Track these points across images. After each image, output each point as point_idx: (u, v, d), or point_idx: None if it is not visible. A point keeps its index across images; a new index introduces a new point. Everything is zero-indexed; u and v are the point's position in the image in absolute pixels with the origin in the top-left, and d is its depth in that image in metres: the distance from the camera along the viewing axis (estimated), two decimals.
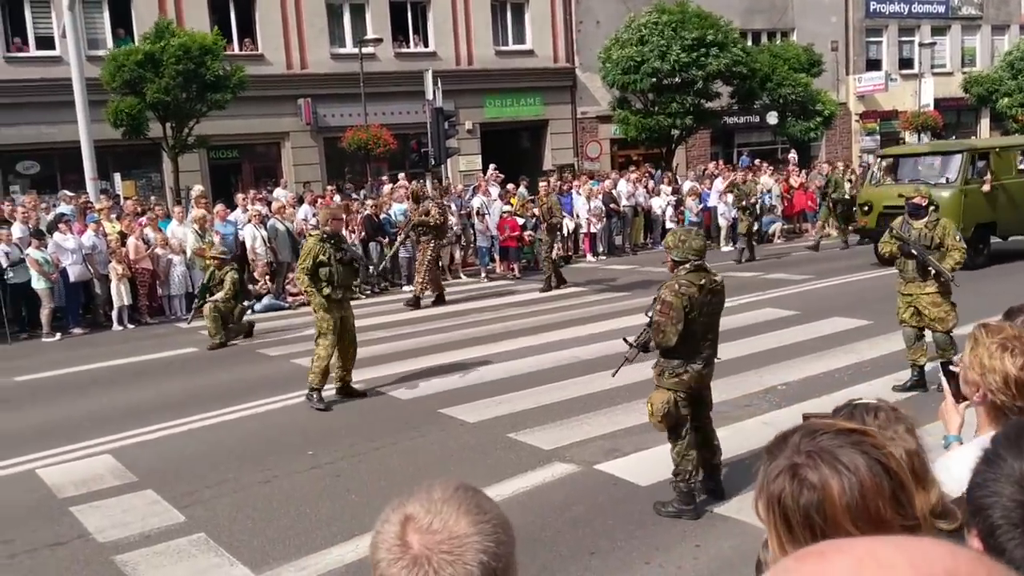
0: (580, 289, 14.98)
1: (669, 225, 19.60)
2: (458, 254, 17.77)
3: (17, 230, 13.45)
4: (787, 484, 1.33)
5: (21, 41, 21.34)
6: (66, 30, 16.68)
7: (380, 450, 6.90)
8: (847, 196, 18.56)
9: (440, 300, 14.19)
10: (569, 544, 5.07)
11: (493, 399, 8.15)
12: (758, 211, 18.74)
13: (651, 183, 21.60)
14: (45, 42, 21.22)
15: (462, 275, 17.35)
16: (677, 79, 23.00)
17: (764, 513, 1.36)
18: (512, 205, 17.97)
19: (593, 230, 19.22)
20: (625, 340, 5.58)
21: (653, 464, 6.17)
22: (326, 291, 8.19)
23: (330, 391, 8.40)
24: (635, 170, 22.66)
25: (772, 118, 26.52)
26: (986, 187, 14.88)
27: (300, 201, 17.40)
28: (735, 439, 6.26)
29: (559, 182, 19.61)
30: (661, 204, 20.51)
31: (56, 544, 5.36)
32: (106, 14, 21.87)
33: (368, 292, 15.48)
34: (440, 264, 15.40)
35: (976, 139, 29.31)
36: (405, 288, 15.60)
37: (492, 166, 21.34)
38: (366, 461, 6.67)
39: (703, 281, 5.26)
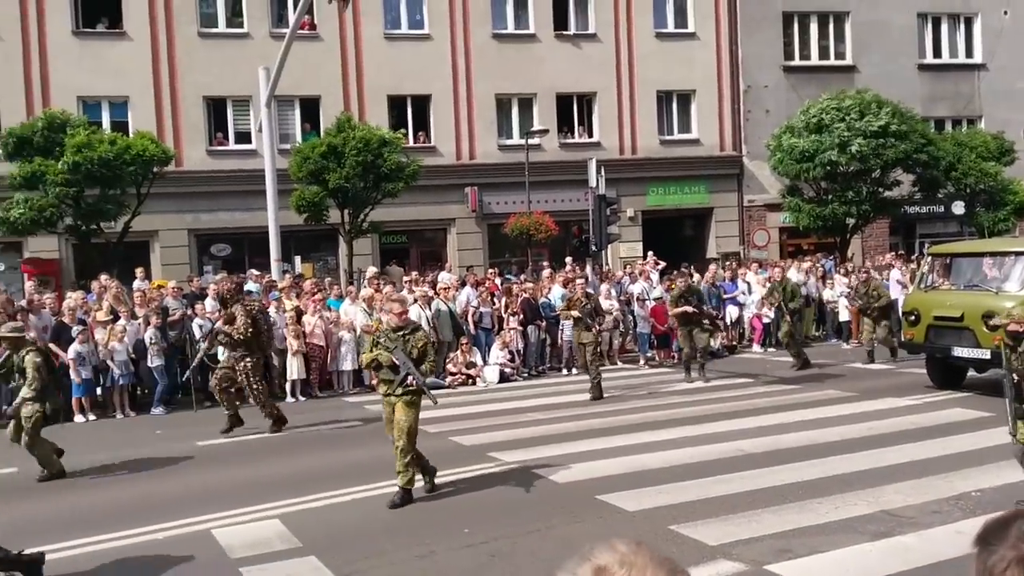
0: (747, 380, 14.42)
1: (845, 317, 18.68)
2: (616, 341, 17.62)
3: (208, 305, 14.52)
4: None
5: (222, 136, 23.50)
6: (263, 126, 18.23)
7: (536, 533, 6.76)
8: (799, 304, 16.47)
9: (278, 426, 11.23)
10: None
11: (654, 488, 7.85)
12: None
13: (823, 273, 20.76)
14: (243, 137, 23.27)
15: (618, 362, 17.13)
16: (854, 168, 22.27)
17: None
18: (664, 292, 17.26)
19: (766, 320, 18.52)
20: None
21: (831, 568, 5.71)
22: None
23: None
24: (806, 259, 21.89)
25: (958, 208, 24.99)
26: None
27: (463, 284, 17.90)
28: (923, 547, 5.71)
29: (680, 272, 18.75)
30: (834, 295, 19.62)
31: None
32: (297, 111, 23.79)
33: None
34: (274, 378, 12.79)
35: None
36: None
37: (650, 253, 21.24)
38: (521, 543, 6.54)
39: None
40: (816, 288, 19.69)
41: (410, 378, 7.71)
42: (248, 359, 10.97)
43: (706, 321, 14.34)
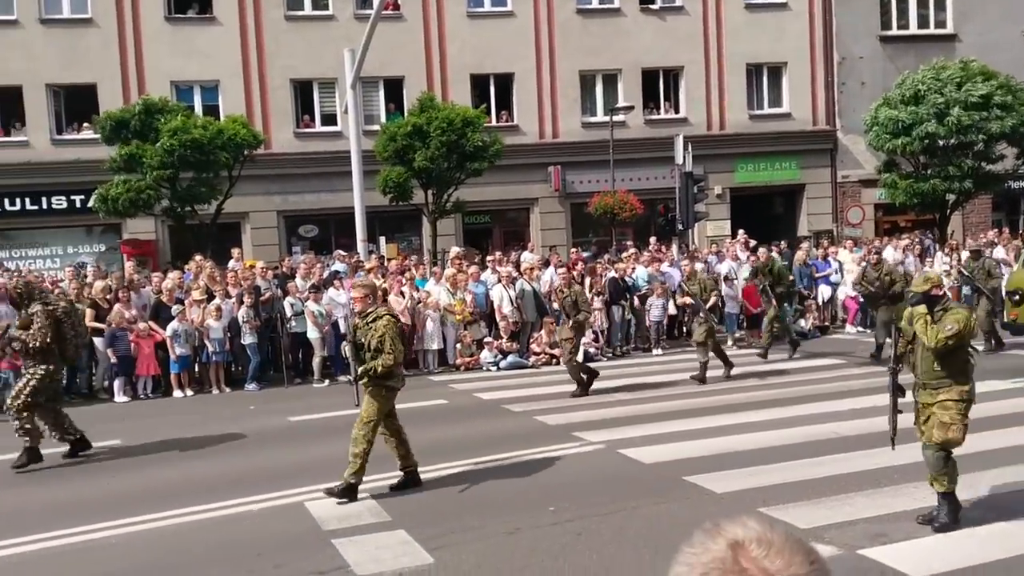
0: (839, 361, 14.00)
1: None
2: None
3: (299, 284, 14.86)
4: None
5: (309, 118, 23.95)
6: (348, 107, 18.49)
7: (622, 513, 6.70)
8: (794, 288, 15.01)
9: (33, 459, 8.95)
10: None
11: (743, 470, 7.69)
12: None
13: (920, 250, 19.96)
14: (329, 119, 23.67)
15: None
16: (954, 140, 21.27)
17: None
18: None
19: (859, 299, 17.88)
20: None
21: (927, 554, 5.50)
22: None
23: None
24: (904, 237, 21.07)
25: None
26: None
27: (546, 264, 17.85)
28: None
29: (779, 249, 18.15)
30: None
31: (319, 572, 5.67)
32: (381, 91, 24.05)
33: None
34: (48, 400, 9.18)
35: None
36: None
37: (741, 232, 20.76)
38: (607, 523, 6.50)
39: None
40: (915, 267, 18.92)
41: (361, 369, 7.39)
42: (39, 369, 8.92)
43: (701, 314, 12.82)
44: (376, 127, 22.09)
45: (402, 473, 7.64)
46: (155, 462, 9.05)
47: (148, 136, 18.59)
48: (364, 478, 7.33)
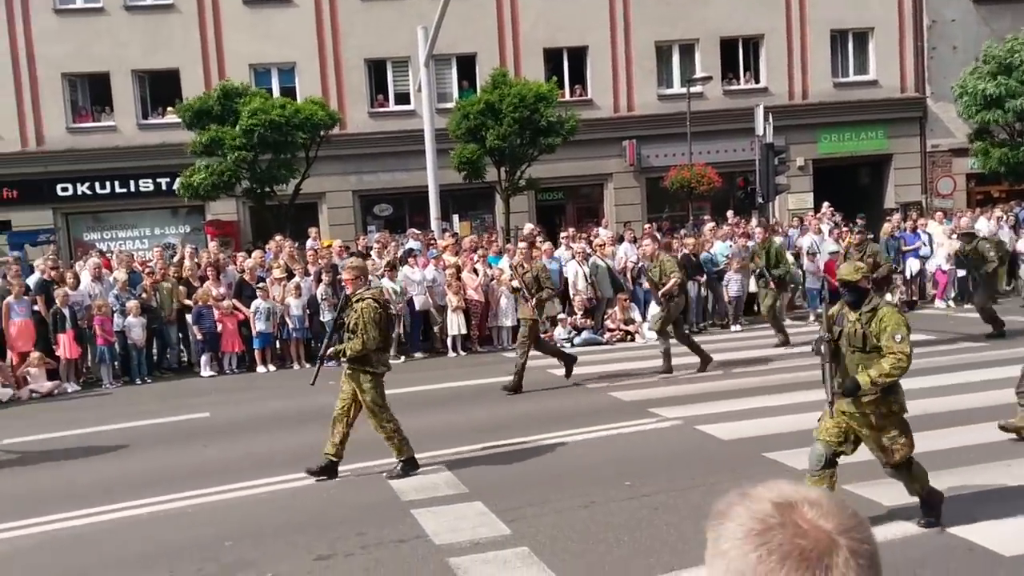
0: (927, 337, 13.50)
1: None
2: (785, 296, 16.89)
3: (376, 261, 15.05)
4: None
5: (383, 98, 24.16)
6: (421, 85, 18.57)
7: (700, 488, 6.61)
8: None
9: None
10: None
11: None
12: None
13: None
14: (402, 98, 23.85)
15: (787, 318, 16.41)
16: None
17: None
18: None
19: (948, 272, 17.22)
20: None
21: (1018, 532, 5.26)
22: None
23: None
24: (997, 208, 20.16)
25: None
26: None
27: (620, 239, 17.67)
28: None
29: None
30: None
31: (400, 541, 5.78)
32: (454, 69, 24.09)
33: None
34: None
35: None
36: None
37: (826, 204, 20.15)
38: (684, 498, 6.42)
39: None
40: (1010, 239, 18.11)
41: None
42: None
43: (661, 300, 11.68)
44: (449, 105, 22.15)
45: (327, 460, 7.34)
46: (245, 434, 9.33)
47: (228, 119, 19.04)
48: (440, 452, 7.41)
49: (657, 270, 11.86)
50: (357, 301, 7.26)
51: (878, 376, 5.25)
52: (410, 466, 7.30)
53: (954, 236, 15.51)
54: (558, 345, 13.17)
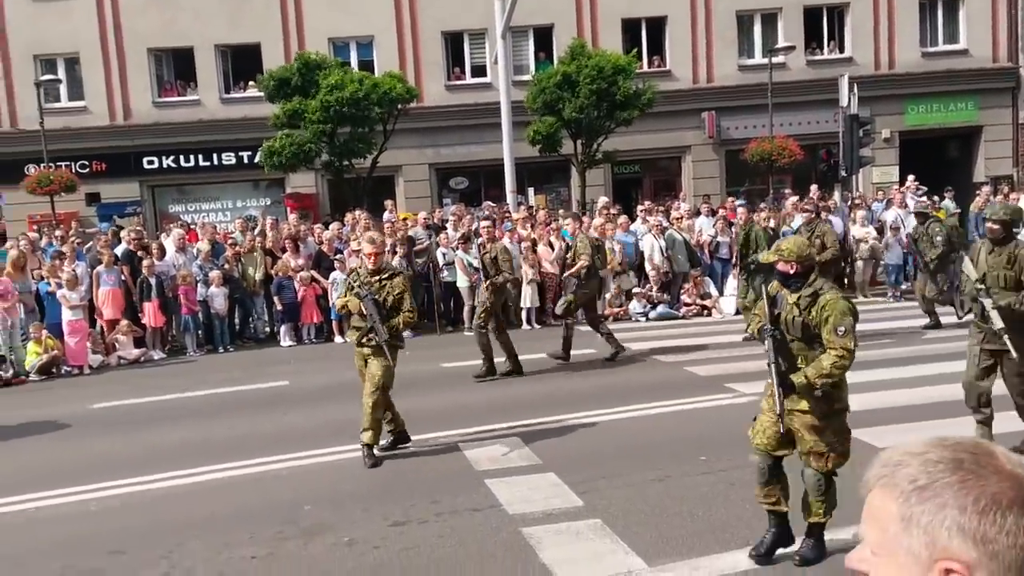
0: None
1: None
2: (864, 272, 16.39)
3: (450, 235, 15.15)
4: None
5: (459, 71, 24.18)
6: (498, 57, 18.51)
7: None
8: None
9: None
10: None
11: (906, 424, 7.30)
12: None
13: None
14: (479, 70, 23.81)
15: (865, 294, 15.94)
16: None
17: None
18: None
19: None
20: None
21: None
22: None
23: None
24: None
25: None
26: None
27: (697, 213, 17.38)
28: None
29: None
30: None
31: (473, 509, 5.85)
32: (531, 40, 23.92)
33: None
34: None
35: None
36: None
37: (911, 178, 19.44)
38: None
39: None
40: None
41: (372, 333, 7.00)
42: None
43: (572, 285, 11.34)
44: (526, 77, 22.04)
45: (393, 435, 7.45)
46: (322, 403, 9.54)
47: (308, 92, 19.33)
48: (514, 423, 7.43)
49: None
50: (390, 276, 7.23)
51: (816, 376, 4.57)
52: (372, 451, 7.09)
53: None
54: (633, 318, 13.02)
